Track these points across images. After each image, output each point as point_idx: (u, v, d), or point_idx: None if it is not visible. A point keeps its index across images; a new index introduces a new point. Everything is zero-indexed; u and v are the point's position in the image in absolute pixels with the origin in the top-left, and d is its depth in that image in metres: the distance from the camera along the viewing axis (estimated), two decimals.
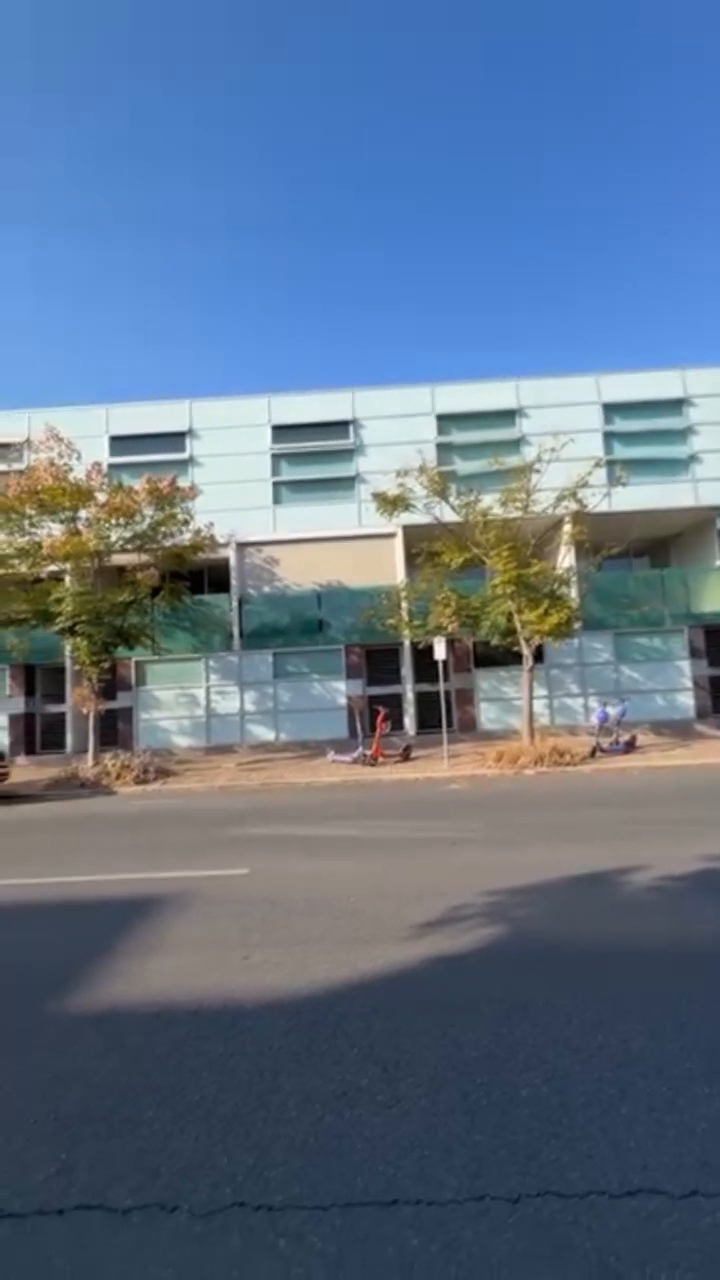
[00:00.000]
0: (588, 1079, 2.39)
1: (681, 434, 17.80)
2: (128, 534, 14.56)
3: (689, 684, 17.18)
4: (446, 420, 18.02)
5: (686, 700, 17.14)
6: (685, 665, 17.26)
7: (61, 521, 14.27)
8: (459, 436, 17.93)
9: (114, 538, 14.50)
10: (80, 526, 14.32)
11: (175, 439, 18.28)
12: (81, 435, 15.53)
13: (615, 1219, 1.74)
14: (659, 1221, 1.73)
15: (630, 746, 13.49)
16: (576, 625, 14.06)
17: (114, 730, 16.79)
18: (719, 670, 17.56)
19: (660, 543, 20.68)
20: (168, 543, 14.90)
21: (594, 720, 14.45)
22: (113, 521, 14.22)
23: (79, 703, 14.50)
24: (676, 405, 17.91)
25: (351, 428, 18.03)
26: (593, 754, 12.87)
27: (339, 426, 18.11)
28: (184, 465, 17.83)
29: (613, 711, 13.77)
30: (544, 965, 3.40)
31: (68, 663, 16.44)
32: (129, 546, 14.71)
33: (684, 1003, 2.93)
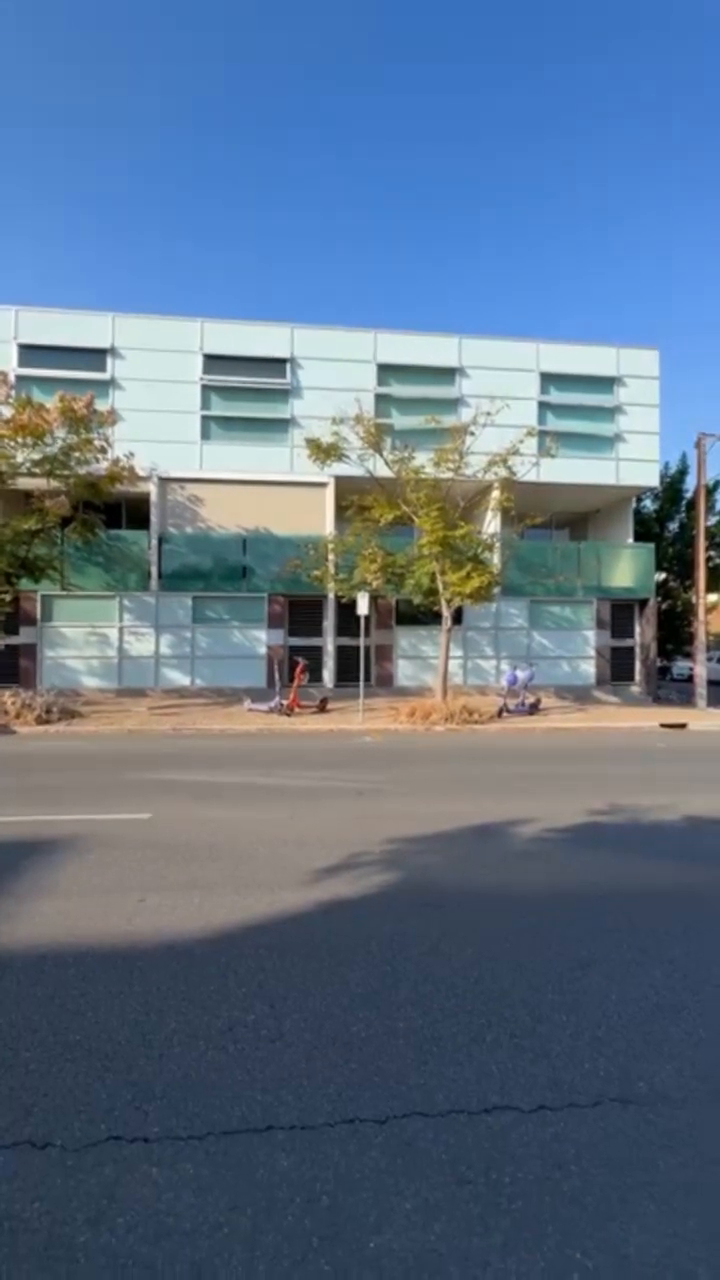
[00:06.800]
0: (460, 1011, 2.58)
1: (610, 412, 18.30)
2: (36, 456, 13.32)
3: (592, 653, 18.30)
4: (387, 371, 17.55)
5: (589, 668, 18.29)
6: (591, 635, 18.34)
7: None
8: (398, 390, 17.54)
9: (19, 459, 13.25)
10: None
11: (95, 356, 16.69)
12: None
13: (471, 1133, 1.91)
14: (508, 1134, 1.91)
15: (534, 709, 14.33)
16: (496, 590, 14.51)
17: (15, 667, 15.80)
18: (620, 641, 18.80)
19: (580, 517, 21.52)
20: (81, 470, 13.78)
21: (503, 682, 15.18)
22: (18, 440, 12.94)
23: None
24: (608, 383, 18.33)
25: (289, 366, 17.19)
26: (500, 714, 13.56)
27: (276, 364, 17.21)
28: (104, 386, 16.37)
29: (521, 675, 14.50)
30: (432, 909, 3.60)
31: None
32: (36, 470, 13.49)
33: (552, 941, 3.21)
